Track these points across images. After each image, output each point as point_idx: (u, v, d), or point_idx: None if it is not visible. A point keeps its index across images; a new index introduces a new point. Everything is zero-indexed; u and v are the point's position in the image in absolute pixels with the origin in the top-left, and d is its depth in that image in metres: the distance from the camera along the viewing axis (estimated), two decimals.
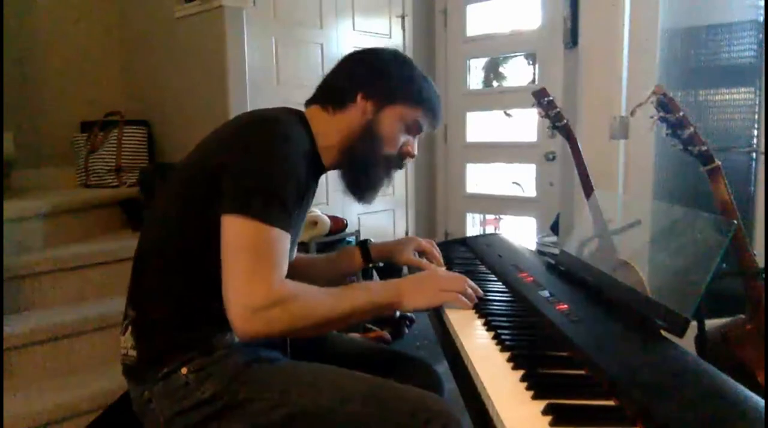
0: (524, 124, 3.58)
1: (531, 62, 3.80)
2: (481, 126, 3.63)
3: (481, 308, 1.05)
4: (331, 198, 2.74)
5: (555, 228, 2.87)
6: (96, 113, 2.69)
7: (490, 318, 0.99)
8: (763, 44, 2.20)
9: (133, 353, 1.03)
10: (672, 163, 2.26)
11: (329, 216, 2.64)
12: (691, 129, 1.18)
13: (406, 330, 2.59)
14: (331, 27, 2.87)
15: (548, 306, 1.03)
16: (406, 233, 3.35)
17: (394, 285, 1.04)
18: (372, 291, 1.03)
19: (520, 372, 0.77)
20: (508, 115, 3.96)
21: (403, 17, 3.21)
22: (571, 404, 0.68)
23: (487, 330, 0.95)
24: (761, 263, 1.22)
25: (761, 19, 2.23)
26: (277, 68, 2.66)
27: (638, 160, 2.32)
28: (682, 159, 1.24)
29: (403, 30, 3.22)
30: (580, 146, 1.69)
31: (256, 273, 0.90)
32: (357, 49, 1.23)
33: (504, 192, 4.09)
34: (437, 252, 1.37)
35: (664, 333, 0.88)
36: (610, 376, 0.74)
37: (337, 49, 2.87)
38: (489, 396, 0.72)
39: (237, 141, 1.01)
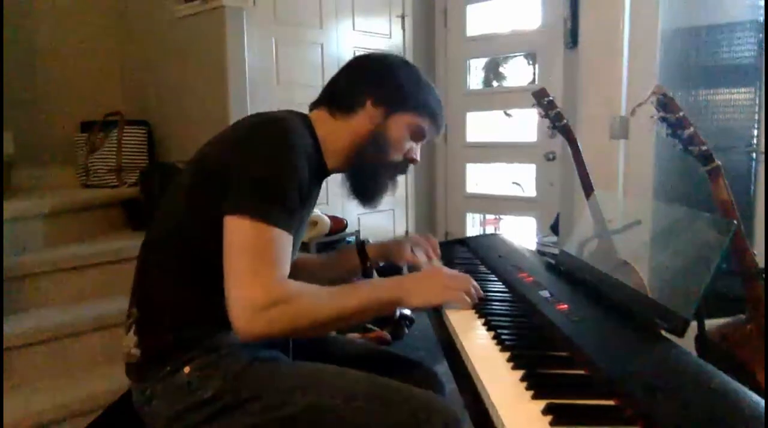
0: (524, 124, 3.59)
1: (531, 62, 3.80)
2: (481, 126, 3.63)
3: (481, 308, 1.04)
4: (331, 198, 2.74)
5: (555, 229, 2.87)
6: (96, 113, 2.69)
7: (490, 318, 0.99)
8: (763, 44, 2.20)
9: (136, 351, 1.03)
10: (672, 163, 2.27)
11: (329, 217, 2.64)
12: (691, 129, 1.18)
13: (406, 331, 2.59)
14: (331, 27, 2.87)
15: (548, 306, 1.03)
16: (406, 233, 3.35)
17: (397, 282, 1.05)
18: (375, 288, 1.03)
19: (520, 372, 0.77)
20: (508, 115, 3.96)
21: (403, 17, 3.21)
22: (571, 404, 0.68)
23: (487, 330, 0.95)
24: (761, 263, 1.22)
25: (761, 19, 2.23)
26: (277, 68, 2.66)
27: (638, 160, 2.32)
28: (682, 159, 1.24)
29: (403, 30, 3.22)
30: (580, 146, 1.69)
31: (258, 274, 0.90)
32: (364, 52, 1.24)
33: (504, 192, 4.09)
34: (432, 246, 1.37)
35: (664, 333, 0.88)
36: (610, 376, 0.74)
37: (337, 49, 2.87)
38: (489, 396, 0.72)
39: (242, 142, 1.02)
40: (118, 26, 2.91)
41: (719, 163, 1.19)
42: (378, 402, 0.97)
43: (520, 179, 4.30)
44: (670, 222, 1.11)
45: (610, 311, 1.01)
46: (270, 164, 0.97)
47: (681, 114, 1.18)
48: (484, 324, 0.97)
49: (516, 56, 4.01)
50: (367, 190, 1.20)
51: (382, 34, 3.14)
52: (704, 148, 1.18)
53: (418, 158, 1.23)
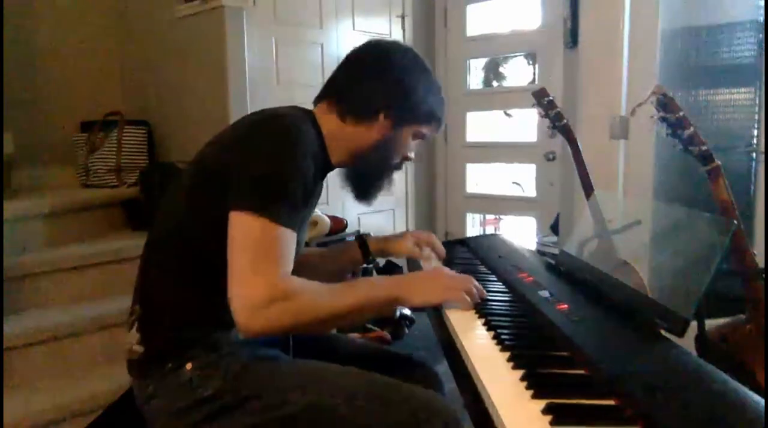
0: (524, 124, 3.59)
1: (531, 62, 3.80)
2: (481, 126, 3.63)
3: (482, 308, 1.04)
4: (331, 198, 2.73)
5: (555, 229, 2.87)
6: (96, 113, 2.69)
7: (490, 318, 0.99)
8: (763, 44, 2.20)
9: (138, 348, 1.04)
10: (672, 163, 2.27)
11: (329, 216, 2.64)
12: (691, 129, 1.18)
13: (406, 331, 2.59)
14: (331, 27, 2.87)
15: (548, 306, 1.03)
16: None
17: (398, 281, 1.05)
18: (377, 286, 1.03)
19: (520, 372, 0.77)
20: (508, 115, 3.96)
21: (403, 17, 3.21)
22: (571, 403, 0.68)
23: (487, 330, 0.95)
24: (761, 263, 1.22)
25: (761, 19, 2.23)
26: (277, 68, 2.65)
27: (638, 160, 2.32)
28: (682, 159, 1.24)
29: (403, 30, 3.22)
30: (580, 146, 1.69)
31: (260, 271, 0.90)
32: (375, 43, 1.19)
33: (504, 192, 4.09)
34: (437, 244, 1.37)
35: (664, 333, 0.88)
36: (610, 376, 0.74)
37: (337, 49, 2.87)
38: (489, 396, 0.72)
39: (246, 139, 1.02)
40: (118, 26, 2.90)
41: (719, 163, 1.19)
42: (378, 401, 0.97)
43: (520, 179, 4.30)
44: (670, 222, 1.11)
45: (610, 311, 1.01)
46: (275, 161, 0.97)
47: (681, 114, 1.18)
48: (484, 324, 0.97)
49: (516, 56, 4.01)
50: (367, 189, 1.22)
51: (382, 34, 3.13)
52: (704, 148, 1.18)
53: (413, 155, 1.24)
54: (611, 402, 0.69)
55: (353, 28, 2.98)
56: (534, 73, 3.54)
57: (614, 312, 1.00)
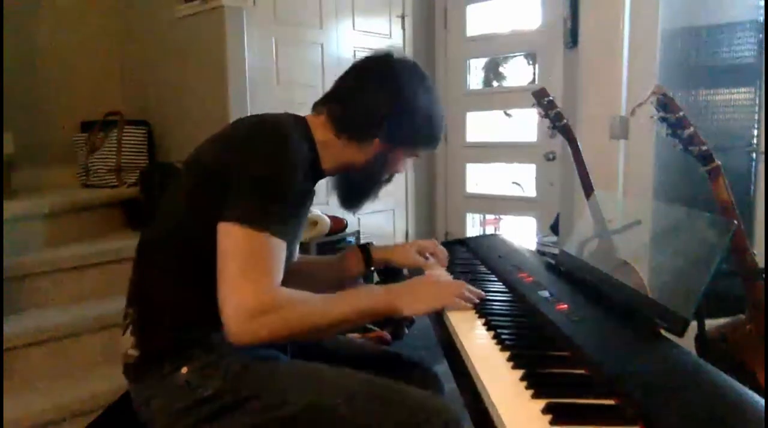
0: (524, 124, 3.58)
1: (531, 62, 3.80)
2: (481, 126, 3.63)
3: (481, 308, 1.05)
4: (331, 198, 2.73)
5: (555, 229, 2.87)
6: (96, 113, 2.69)
7: (490, 318, 0.99)
8: (763, 44, 2.20)
9: (133, 352, 1.03)
10: (672, 163, 2.27)
11: (329, 217, 2.64)
12: (691, 129, 1.18)
13: (406, 331, 2.58)
14: (331, 27, 2.87)
15: (548, 306, 1.03)
16: (406, 233, 3.35)
17: (390, 291, 1.05)
18: (368, 297, 1.03)
19: (520, 372, 0.77)
20: (508, 115, 3.96)
21: (403, 17, 3.21)
22: (571, 403, 0.68)
23: (487, 330, 0.95)
24: (761, 263, 1.22)
25: (761, 19, 2.23)
26: (277, 68, 2.65)
27: (638, 160, 2.32)
28: (682, 159, 1.24)
29: (403, 30, 3.22)
30: (580, 146, 1.70)
31: (249, 281, 0.90)
32: (364, 52, 1.19)
33: (504, 192, 4.09)
34: (441, 251, 1.37)
35: (664, 333, 0.88)
36: (610, 376, 0.74)
37: (337, 49, 2.87)
38: (489, 396, 0.72)
39: (239, 145, 1.02)
40: (118, 26, 2.90)
41: (719, 163, 1.19)
42: (378, 402, 0.97)
43: (520, 179, 4.30)
44: (670, 222, 1.11)
45: (610, 311, 1.01)
46: (266, 170, 0.97)
47: (681, 114, 1.18)
48: (484, 324, 0.98)
49: (516, 56, 4.01)
50: (352, 199, 1.24)
51: (382, 34, 3.14)
52: (704, 148, 1.18)
53: (404, 170, 1.26)
54: (611, 402, 0.69)
55: (353, 28, 2.98)
56: (534, 73, 3.54)
57: (614, 312, 1.00)
